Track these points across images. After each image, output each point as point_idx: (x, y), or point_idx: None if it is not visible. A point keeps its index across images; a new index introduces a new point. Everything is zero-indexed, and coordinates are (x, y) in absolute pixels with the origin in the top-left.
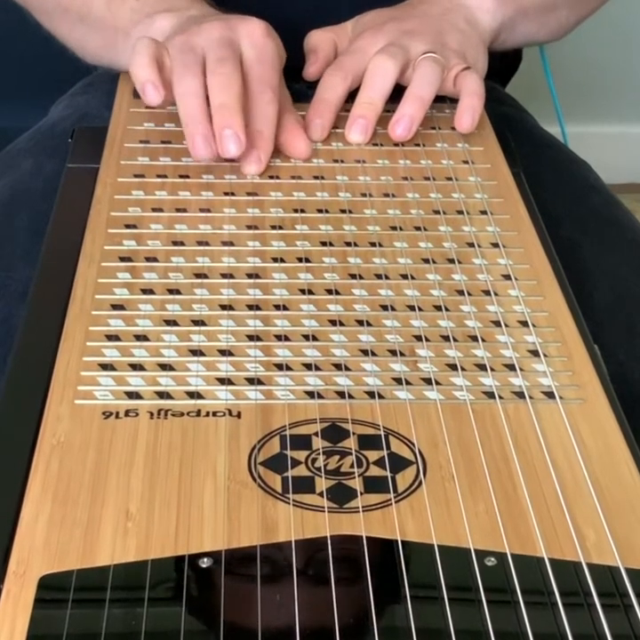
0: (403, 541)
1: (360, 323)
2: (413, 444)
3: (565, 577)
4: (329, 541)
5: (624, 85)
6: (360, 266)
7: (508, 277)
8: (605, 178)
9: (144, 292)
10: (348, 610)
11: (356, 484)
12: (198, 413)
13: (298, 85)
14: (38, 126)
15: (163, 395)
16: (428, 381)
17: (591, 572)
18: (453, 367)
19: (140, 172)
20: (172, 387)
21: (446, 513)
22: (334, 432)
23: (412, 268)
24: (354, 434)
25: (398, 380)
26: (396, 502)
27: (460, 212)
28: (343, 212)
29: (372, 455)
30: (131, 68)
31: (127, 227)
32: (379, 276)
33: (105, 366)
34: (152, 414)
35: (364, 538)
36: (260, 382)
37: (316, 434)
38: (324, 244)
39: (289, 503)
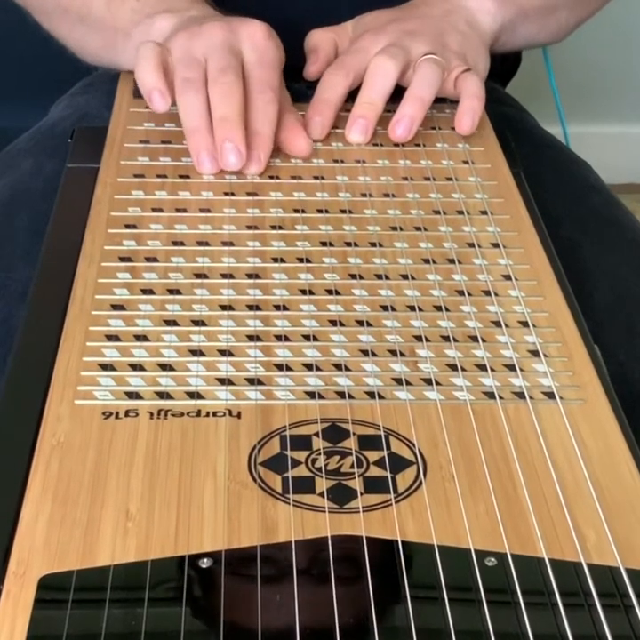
0: (403, 542)
1: (360, 323)
2: (413, 445)
3: (566, 577)
4: (329, 542)
5: (624, 86)
6: (360, 266)
7: (508, 278)
8: (605, 178)
9: (144, 292)
10: (348, 610)
11: (357, 484)
12: (198, 413)
13: (298, 85)
14: (38, 126)
15: (163, 395)
16: (428, 382)
17: (591, 572)
18: (453, 367)
19: (139, 172)
20: (172, 387)
21: (446, 513)
22: (334, 432)
23: (413, 269)
24: (354, 434)
25: (398, 381)
26: (396, 502)
27: (461, 213)
28: (343, 212)
29: (373, 455)
30: (136, 74)
31: (127, 227)
32: (379, 277)
33: (105, 366)
34: (152, 414)
35: (365, 538)
36: (260, 382)
37: (316, 434)
38: (324, 244)
39: (289, 503)
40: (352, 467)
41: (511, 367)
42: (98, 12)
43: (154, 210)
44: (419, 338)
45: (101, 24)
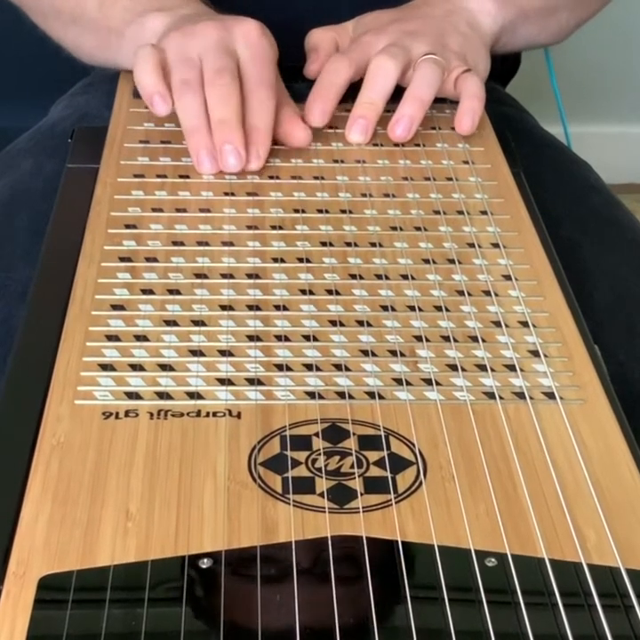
0: (403, 542)
1: (360, 323)
2: (413, 445)
3: (566, 578)
4: (329, 542)
5: (625, 86)
6: (360, 266)
7: (508, 278)
8: (606, 178)
9: (144, 292)
10: (348, 610)
11: (357, 484)
12: (198, 414)
13: (298, 85)
14: (38, 126)
15: (163, 395)
16: (428, 382)
17: (592, 572)
18: (454, 367)
19: (139, 172)
20: (172, 387)
21: (446, 513)
22: (334, 432)
23: (413, 269)
24: (354, 434)
25: (398, 381)
26: (396, 503)
27: (461, 213)
28: (343, 212)
29: (373, 456)
30: (136, 77)
31: (127, 227)
32: (379, 277)
33: (105, 366)
34: (152, 415)
35: (365, 538)
36: (260, 383)
37: (316, 434)
38: (324, 244)
39: (289, 504)
40: (352, 467)
41: (511, 367)
42: (90, 12)
43: (154, 210)
44: (419, 338)
45: (95, 24)
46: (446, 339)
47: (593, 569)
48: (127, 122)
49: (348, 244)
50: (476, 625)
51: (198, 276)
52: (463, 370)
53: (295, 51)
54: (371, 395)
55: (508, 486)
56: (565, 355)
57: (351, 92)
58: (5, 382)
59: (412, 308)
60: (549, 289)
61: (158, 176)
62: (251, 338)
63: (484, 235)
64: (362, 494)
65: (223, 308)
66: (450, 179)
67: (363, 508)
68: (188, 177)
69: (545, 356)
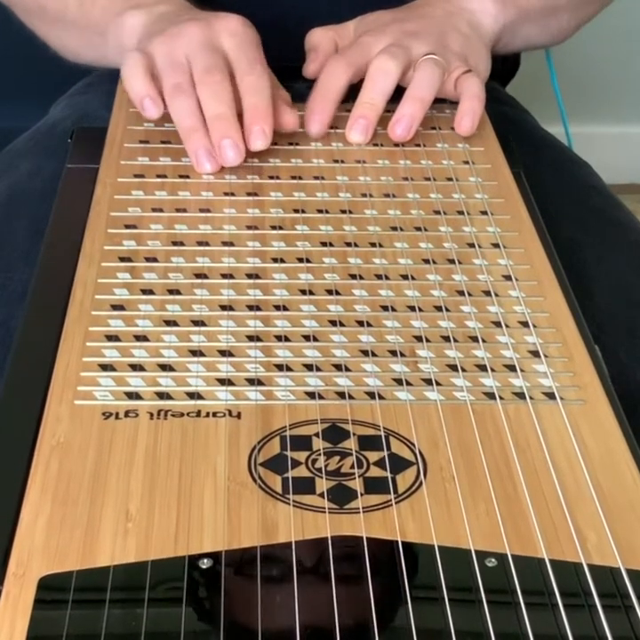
0: (403, 542)
1: (360, 323)
2: (414, 445)
3: (566, 578)
4: (329, 542)
5: (624, 86)
6: (360, 266)
7: (508, 278)
8: (606, 178)
9: (144, 292)
10: (348, 611)
11: (357, 484)
12: (198, 414)
13: (298, 85)
14: (38, 126)
15: (162, 395)
16: (428, 382)
17: (592, 573)
18: (454, 368)
19: (139, 173)
20: (172, 387)
21: (447, 514)
22: (334, 433)
23: (413, 269)
24: (354, 434)
25: (399, 381)
26: (396, 503)
27: (461, 213)
28: (343, 212)
29: (373, 456)
30: (125, 84)
31: (127, 227)
32: (379, 277)
33: (105, 367)
34: (152, 415)
35: (365, 539)
36: (260, 383)
37: (316, 434)
38: (324, 244)
39: (289, 504)
40: (352, 467)
41: (511, 367)
42: (72, 12)
43: (154, 210)
44: (419, 338)
45: (77, 23)
46: (446, 339)
47: (593, 569)
48: (127, 122)
49: (348, 245)
50: (477, 625)
51: (198, 276)
52: (463, 370)
53: (295, 50)
54: (371, 395)
55: (508, 486)
56: (566, 355)
57: (351, 91)
58: (5, 383)
59: (412, 309)
60: (550, 289)
61: (158, 176)
62: (251, 338)
63: (484, 235)
64: (362, 494)
65: (223, 308)
66: (450, 179)
67: (363, 508)
68: (187, 177)
69: (545, 356)
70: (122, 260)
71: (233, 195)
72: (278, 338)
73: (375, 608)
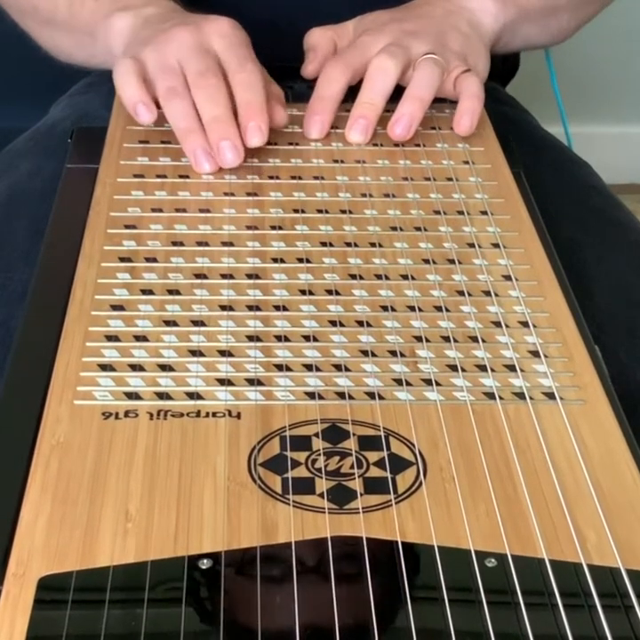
0: (403, 542)
1: (360, 323)
2: (413, 445)
3: (566, 578)
4: (329, 542)
5: (624, 86)
6: (360, 266)
7: (508, 278)
8: (606, 178)
9: (144, 292)
10: (348, 611)
11: (357, 485)
12: (198, 414)
13: (298, 85)
14: (37, 126)
15: (162, 395)
16: (428, 382)
17: (592, 573)
18: (454, 368)
19: (139, 173)
20: (172, 387)
21: (446, 514)
22: (334, 433)
23: (413, 269)
24: (354, 435)
25: (398, 381)
26: (396, 503)
27: (461, 213)
28: (343, 212)
29: (373, 456)
30: (118, 91)
31: (127, 227)
32: (379, 277)
33: (104, 367)
34: (152, 415)
35: (365, 539)
36: (259, 383)
37: (316, 435)
38: (324, 244)
39: (289, 504)
40: (352, 467)
41: (511, 368)
42: (62, 13)
43: (153, 210)
44: (419, 338)
45: (67, 25)
46: (446, 339)
47: (593, 569)
48: (127, 122)
49: (348, 245)
50: (476, 625)
51: (198, 276)
52: (463, 370)
53: (294, 50)
54: (371, 395)
55: (508, 487)
56: (566, 355)
57: (351, 91)
58: (5, 383)
59: (411, 309)
60: (550, 289)
61: (158, 176)
62: (250, 338)
63: (484, 235)
64: (362, 495)
65: (223, 308)
66: (450, 179)
67: (362, 508)
68: (187, 177)
69: (545, 356)
70: (121, 260)
71: (233, 195)
72: (278, 338)
73: (375, 609)
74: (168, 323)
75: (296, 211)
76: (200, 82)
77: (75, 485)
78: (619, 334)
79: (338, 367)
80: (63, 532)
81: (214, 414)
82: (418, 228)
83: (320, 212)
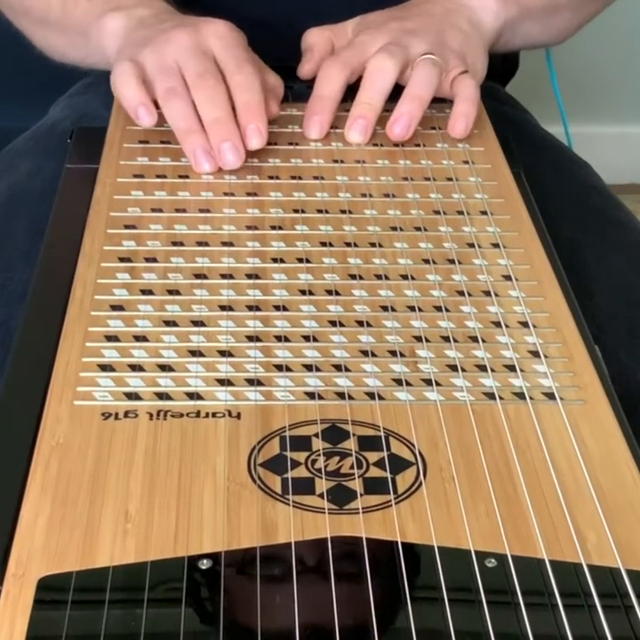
0: (403, 543)
1: (360, 323)
2: (413, 445)
3: (566, 578)
4: (329, 543)
5: (624, 86)
6: (360, 266)
7: (508, 278)
8: (606, 178)
9: (143, 292)
10: (348, 611)
11: (356, 485)
12: (198, 414)
13: (297, 85)
14: (37, 126)
15: (162, 396)
16: (428, 382)
17: (592, 573)
18: (454, 368)
19: (139, 173)
20: (172, 388)
21: (446, 514)
22: (334, 433)
23: (413, 269)
24: (354, 435)
25: (398, 381)
26: (396, 503)
27: (461, 213)
28: (343, 212)
29: (372, 456)
30: (117, 93)
31: (126, 227)
32: (379, 277)
33: (104, 367)
34: (151, 415)
35: (364, 539)
36: (259, 383)
37: (315, 435)
38: (323, 244)
39: (289, 504)
40: (352, 468)
41: (511, 368)
42: (55, 13)
43: (153, 210)
44: (419, 338)
45: (60, 25)
46: (446, 339)
47: (593, 570)
48: (126, 122)
49: (348, 245)
50: (476, 626)
51: (198, 276)
52: (463, 370)
53: (293, 50)
54: (370, 395)
55: (508, 487)
56: (566, 355)
57: (350, 91)
58: (5, 383)
59: (411, 309)
60: (550, 289)
61: (158, 176)
62: (250, 338)
63: (484, 235)
64: (361, 495)
65: (223, 308)
66: (450, 179)
67: (362, 508)
68: (187, 177)
69: (545, 356)
70: (121, 260)
71: (232, 195)
72: (278, 338)
73: (375, 609)
74: (168, 323)
75: (296, 211)
76: (199, 83)
77: (74, 486)
78: (619, 334)
79: (338, 367)
80: (63, 533)
81: (214, 414)
82: (418, 228)
83: (320, 212)
